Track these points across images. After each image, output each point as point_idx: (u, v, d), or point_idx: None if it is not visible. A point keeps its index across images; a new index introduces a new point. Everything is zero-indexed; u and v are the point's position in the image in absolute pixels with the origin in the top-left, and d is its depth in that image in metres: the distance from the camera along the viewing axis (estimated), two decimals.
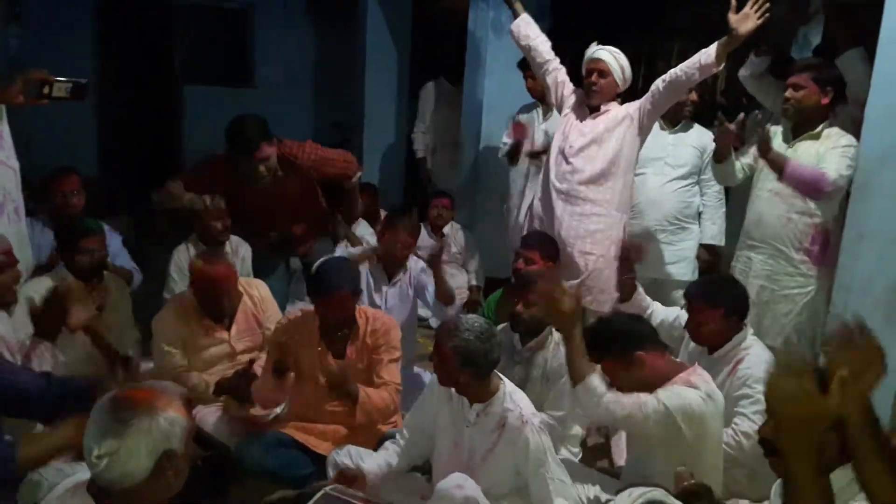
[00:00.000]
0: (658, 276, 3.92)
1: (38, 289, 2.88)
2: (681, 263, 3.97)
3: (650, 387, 2.45)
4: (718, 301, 2.82)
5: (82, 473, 1.69)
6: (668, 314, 3.18)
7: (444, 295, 3.60)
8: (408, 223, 3.72)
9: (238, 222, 3.72)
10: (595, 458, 3.16)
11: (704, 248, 4.00)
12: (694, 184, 3.93)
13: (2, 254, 2.50)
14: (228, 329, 3.21)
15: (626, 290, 3.24)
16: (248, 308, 3.27)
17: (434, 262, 3.60)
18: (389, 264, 3.68)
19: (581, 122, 3.61)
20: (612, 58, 3.53)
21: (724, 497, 2.50)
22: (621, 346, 2.43)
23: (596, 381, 2.38)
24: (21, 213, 3.13)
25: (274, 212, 3.71)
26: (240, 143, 3.48)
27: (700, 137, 3.91)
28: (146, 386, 1.63)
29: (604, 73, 3.53)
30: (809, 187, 3.15)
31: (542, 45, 3.72)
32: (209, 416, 3.03)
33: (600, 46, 3.55)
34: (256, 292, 3.32)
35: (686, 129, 3.96)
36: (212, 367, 3.19)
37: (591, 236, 3.55)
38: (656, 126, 3.92)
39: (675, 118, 3.92)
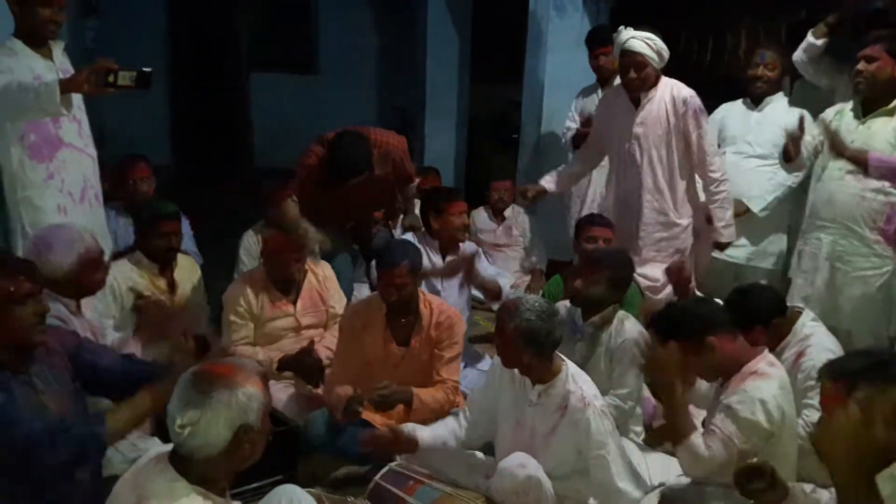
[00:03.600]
0: (737, 260, 3.82)
1: (115, 273, 3.02)
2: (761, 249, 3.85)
3: (720, 372, 2.41)
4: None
5: (158, 447, 1.78)
6: None
7: (490, 291, 3.71)
8: (454, 206, 3.72)
9: (326, 211, 3.75)
10: (659, 440, 3.13)
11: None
12: (775, 163, 3.72)
13: (96, 254, 2.61)
14: (294, 303, 3.32)
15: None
16: (314, 285, 3.39)
17: (465, 275, 3.67)
18: (443, 245, 3.72)
19: (630, 118, 3.48)
20: (645, 46, 3.32)
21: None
22: (692, 332, 2.36)
23: (697, 440, 2.30)
24: (100, 200, 3.27)
25: (361, 203, 3.83)
26: (334, 169, 3.52)
27: (787, 114, 3.70)
28: (227, 362, 1.72)
29: (640, 65, 3.34)
30: None
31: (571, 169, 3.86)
32: (279, 392, 3.11)
33: (631, 34, 3.33)
34: (321, 271, 3.45)
35: (773, 105, 3.78)
36: (278, 341, 3.30)
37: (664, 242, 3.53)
38: (742, 105, 3.83)
39: (756, 97, 3.79)
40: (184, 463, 1.60)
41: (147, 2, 7.29)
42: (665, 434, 3.08)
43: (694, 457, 2.30)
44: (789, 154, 3.37)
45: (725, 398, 2.34)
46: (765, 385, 2.30)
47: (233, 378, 1.61)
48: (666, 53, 3.38)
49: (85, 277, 2.56)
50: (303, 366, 3.15)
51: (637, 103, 3.45)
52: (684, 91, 3.39)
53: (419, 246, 3.65)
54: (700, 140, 3.41)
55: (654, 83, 3.41)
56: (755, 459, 2.09)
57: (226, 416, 1.58)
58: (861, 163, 3.04)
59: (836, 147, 3.08)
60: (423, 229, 3.81)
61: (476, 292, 4.58)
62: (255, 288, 3.26)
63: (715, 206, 3.49)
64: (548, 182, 3.78)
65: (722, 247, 3.60)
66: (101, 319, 2.83)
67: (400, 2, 7.17)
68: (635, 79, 3.36)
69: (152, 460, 1.64)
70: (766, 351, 2.45)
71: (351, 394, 2.82)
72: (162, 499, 1.54)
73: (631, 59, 3.34)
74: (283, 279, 3.29)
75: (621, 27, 3.43)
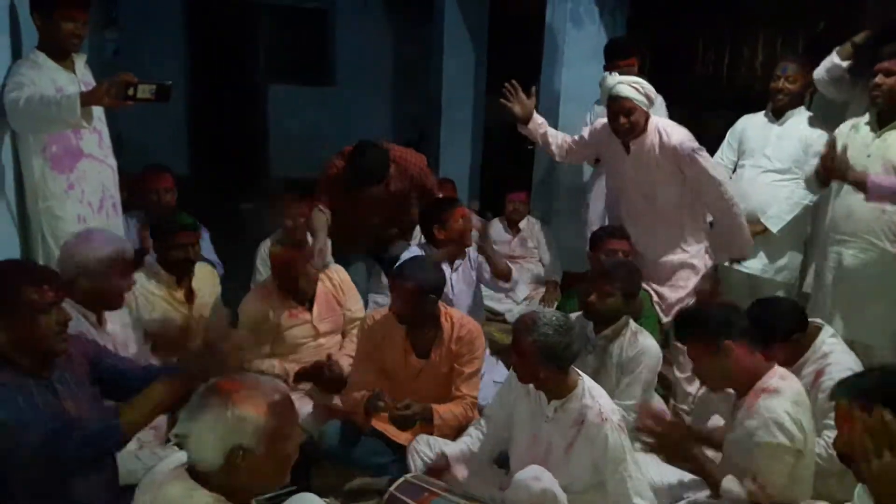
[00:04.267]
0: (753, 272, 3.79)
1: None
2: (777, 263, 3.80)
3: (731, 383, 2.40)
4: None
5: (179, 455, 1.77)
6: None
7: (499, 272, 3.71)
8: (455, 213, 3.71)
9: (344, 221, 3.79)
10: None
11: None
12: (794, 178, 3.66)
13: (128, 259, 2.65)
14: (310, 310, 3.32)
15: None
16: (329, 290, 3.39)
17: (480, 248, 3.72)
18: (451, 254, 3.71)
19: (622, 161, 3.44)
20: (633, 91, 3.23)
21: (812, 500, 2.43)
22: (711, 332, 2.37)
23: (731, 483, 2.32)
24: (118, 209, 3.32)
25: (377, 216, 3.90)
26: (354, 177, 3.63)
27: (808, 129, 3.64)
28: (242, 379, 1.62)
29: (629, 110, 3.25)
30: None
31: (561, 140, 3.72)
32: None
33: (617, 80, 3.27)
34: (336, 276, 3.45)
35: (795, 120, 3.71)
36: (296, 350, 3.30)
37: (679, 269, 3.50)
38: (763, 117, 3.80)
39: (777, 110, 3.77)
40: (197, 476, 1.58)
41: (166, 14, 7.38)
42: None
43: (734, 496, 2.29)
44: (826, 181, 3.28)
45: (744, 422, 2.33)
46: (777, 403, 2.28)
47: (230, 395, 1.54)
48: (654, 96, 3.34)
49: (114, 282, 2.59)
50: (321, 378, 3.15)
51: (627, 147, 3.39)
52: (674, 138, 3.29)
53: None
54: (702, 176, 3.31)
55: (644, 128, 3.33)
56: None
57: (214, 434, 1.52)
58: (861, 186, 3.01)
59: (840, 168, 3.02)
60: (427, 241, 3.79)
61: (492, 304, 4.58)
62: (270, 299, 3.27)
63: (729, 232, 3.47)
64: (540, 127, 3.69)
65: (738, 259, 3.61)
66: (125, 330, 2.85)
67: (416, 14, 7.22)
68: (625, 123, 3.28)
69: (172, 471, 1.62)
70: (776, 366, 2.43)
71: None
72: None
73: (620, 106, 3.26)
74: (294, 292, 3.29)
75: (606, 73, 3.43)
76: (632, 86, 3.24)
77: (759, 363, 2.40)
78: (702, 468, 2.43)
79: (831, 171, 3.06)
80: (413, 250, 3.73)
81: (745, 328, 2.41)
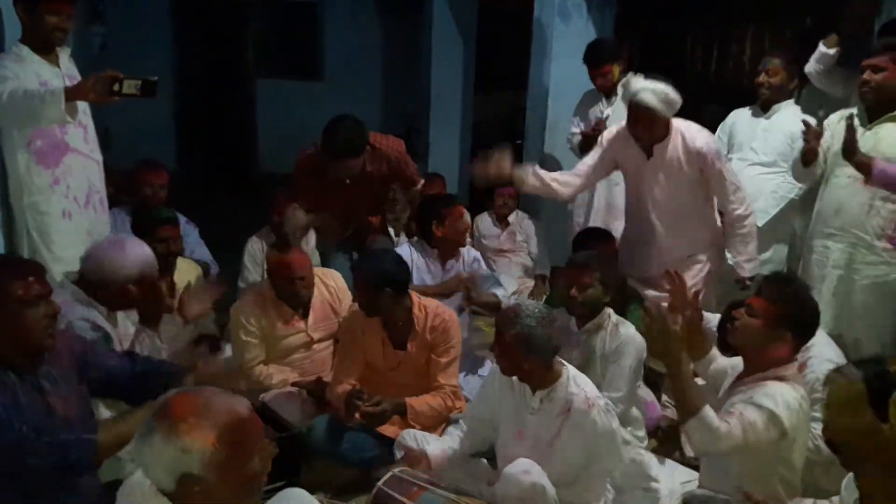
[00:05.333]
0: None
1: None
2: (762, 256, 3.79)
3: (757, 355, 2.36)
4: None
5: None
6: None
7: (490, 309, 3.66)
8: (455, 210, 3.71)
9: (321, 210, 3.71)
10: (666, 447, 3.12)
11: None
12: (780, 172, 3.70)
13: (153, 281, 2.65)
14: (305, 318, 3.27)
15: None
16: (325, 298, 3.33)
17: (465, 298, 3.61)
18: (445, 252, 3.71)
19: (643, 165, 3.39)
20: (655, 100, 3.16)
21: (799, 492, 2.44)
22: (790, 308, 2.32)
23: (711, 414, 2.21)
24: (105, 205, 3.29)
25: (355, 202, 3.76)
26: (330, 147, 3.47)
27: (794, 122, 3.62)
28: (199, 398, 1.51)
29: (650, 119, 3.21)
30: None
31: (567, 176, 3.59)
32: (281, 398, 3.12)
33: (641, 86, 3.18)
34: (332, 282, 3.39)
35: (782, 113, 3.73)
36: (289, 356, 3.27)
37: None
38: (749, 112, 3.80)
39: (764, 104, 3.77)
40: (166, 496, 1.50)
41: (153, 9, 7.34)
42: (673, 439, 3.08)
43: (706, 430, 2.19)
44: (809, 158, 3.28)
45: (746, 392, 2.29)
46: (790, 390, 2.28)
47: (176, 427, 1.45)
48: (677, 102, 3.23)
49: (133, 293, 2.57)
50: (316, 393, 3.11)
51: (649, 152, 3.37)
52: (698, 141, 3.29)
53: (419, 255, 3.66)
54: (721, 181, 3.32)
55: (666, 132, 3.30)
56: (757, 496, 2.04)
57: (161, 461, 1.46)
58: (865, 169, 3.00)
59: (849, 147, 2.96)
60: (419, 238, 3.78)
61: None
62: (265, 305, 3.21)
63: (737, 240, 3.43)
64: (535, 178, 3.47)
65: (743, 283, 3.45)
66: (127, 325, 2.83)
67: (405, 9, 7.20)
68: (645, 132, 3.27)
69: (150, 488, 1.51)
70: (795, 364, 2.42)
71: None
72: None
73: (640, 113, 3.21)
74: (291, 300, 3.23)
75: (630, 74, 3.34)
76: (653, 93, 3.15)
77: (791, 359, 2.38)
78: (683, 385, 2.25)
79: (847, 148, 2.95)
80: (403, 248, 3.73)
81: (809, 329, 2.39)
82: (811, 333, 2.43)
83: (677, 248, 3.45)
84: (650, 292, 3.41)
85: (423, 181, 4.12)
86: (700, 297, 2.76)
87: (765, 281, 2.49)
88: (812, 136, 3.23)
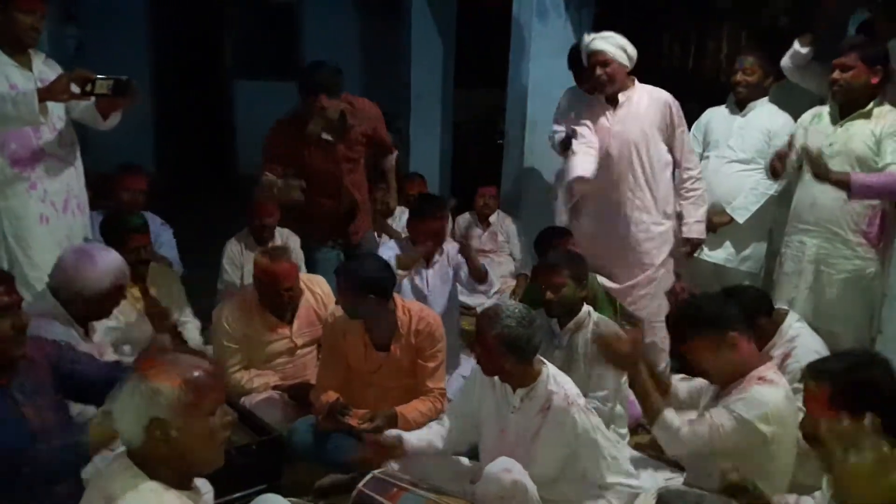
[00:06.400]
0: (717, 261, 3.83)
1: None
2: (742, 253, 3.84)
3: (728, 373, 2.39)
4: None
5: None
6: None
7: (476, 273, 3.66)
8: (437, 209, 3.72)
9: (305, 185, 3.55)
10: (649, 445, 3.14)
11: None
12: (758, 169, 3.73)
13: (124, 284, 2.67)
14: (290, 325, 3.24)
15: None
16: (311, 304, 3.30)
17: (462, 246, 3.68)
18: (426, 250, 3.70)
19: (607, 117, 3.47)
20: (607, 44, 3.35)
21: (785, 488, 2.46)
22: (718, 326, 2.33)
23: (671, 416, 2.32)
24: (84, 209, 3.25)
25: (338, 163, 3.66)
26: (307, 82, 3.47)
27: (770, 120, 3.72)
28: (158, 357, 1.65)
29: (605, 62, 3.36)
30: (887, 193, 3.06)
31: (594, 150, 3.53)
32: (262, 403, 3.10)
33: (593, 36, 3.40)
34: (318, 289, 3.35)
35: (758, 111, 3.77)
36: (272, 361, 3.25)
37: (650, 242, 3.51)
38: (725, 110, 3.85)
39: (739, 102, 3.81)
40: (138, 459, 1.59)
41: (128, 9, 7.26)
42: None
43: (669, 433, 2.31)
44: (776, 170, 3.43)
45: (728, 399, 2.32)
46: (770, 392, 2.29)
47: (146, 371, 1.58)
48: (632, 50, 3.38)
49: (107, 303, 2.58)
50: (299, 397, 3.10)
51: (614, 103, 3.47)
52: (664, 94, 3.48)
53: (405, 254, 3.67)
54: (683, 136, 3.52)
55: (627, 83, 3.44)
56: (736, 474, 2.04)
57: (131, 408, 1.56)
58: (843, 186, 3.04)
59: (820, 171, 3.03)
60: (408, 237, 3.79)
61: (463, 298, 4.59)
62: (250, 311, 3.17)
63: (689, 202, 3.55)
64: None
65: (693, 247, 3.61)
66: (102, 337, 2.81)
67: (384, 8, 7.18)
68: (601, 75, 3.37)
69: (115, 460, 1.64)
70: (772, 361, 2.45)
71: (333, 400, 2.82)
72: (127, 493, 1.54)
73: (596, 59, 3.37)
74: (277, 310, 3.20)
75: (585, 34, 3.49)
76: (605, 39, 3.36)
77: (755, 353, 2.42)
78: (644, 392, 2.40)
79: (815, 173, 3.06)
80: (391, 246, 3.73)
81: (741, 317, 2.41)
82: (750, 314, 2.47)
83: (640, 210, 3.47)
84: (608, 283, 3.49)
85: (395, 152, 4.08)
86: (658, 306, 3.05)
87: (670, 324, 2.54)
88: (776, 157, 3.39)
